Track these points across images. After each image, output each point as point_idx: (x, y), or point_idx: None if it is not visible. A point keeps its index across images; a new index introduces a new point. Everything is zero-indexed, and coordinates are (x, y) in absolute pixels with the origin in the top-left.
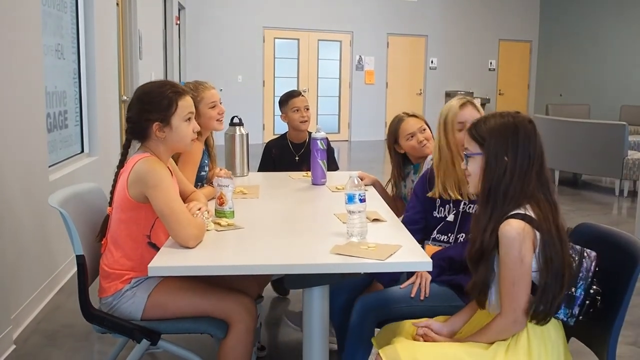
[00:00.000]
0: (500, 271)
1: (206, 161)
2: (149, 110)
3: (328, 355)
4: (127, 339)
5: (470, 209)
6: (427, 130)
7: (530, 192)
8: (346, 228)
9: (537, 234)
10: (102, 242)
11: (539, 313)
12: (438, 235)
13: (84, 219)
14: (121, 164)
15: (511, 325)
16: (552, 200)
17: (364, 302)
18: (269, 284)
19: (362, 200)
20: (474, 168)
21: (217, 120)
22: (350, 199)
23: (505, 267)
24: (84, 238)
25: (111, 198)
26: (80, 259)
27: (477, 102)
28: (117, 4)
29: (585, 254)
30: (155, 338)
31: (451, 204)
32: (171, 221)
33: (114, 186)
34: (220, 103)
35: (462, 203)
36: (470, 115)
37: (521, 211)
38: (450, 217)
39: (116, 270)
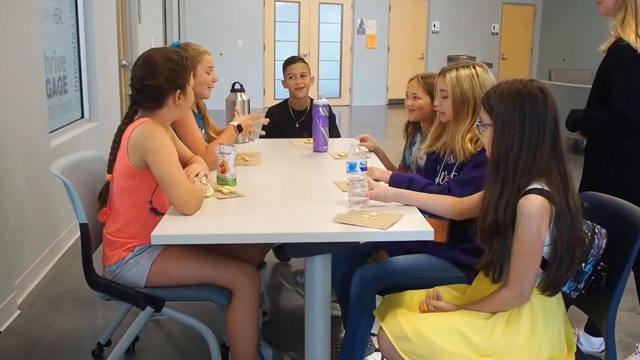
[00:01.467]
0: (514, 245)
1: (201, 125)
2: (174, 78)
3: (330, 324)
4: (130, 306)
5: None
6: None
7: (543, 164)
8: (348, 196)
9: (553, 208)
10: (102, 211)
11: (550, 284)
12: None
13: (87, 187)
14: (120, 132)
15: (516, 299)
16: (565, 174)
17: (362, 275)
18: (271, 250)
19: (364, 169)
20: (486, 138)
21: (209, 87)
22: (351, 167)
23: (520, 242)
24: (86, 206)
25: (110, 165)
26: (83, 227)
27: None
28: None
29: (596, 231)
30: (159, 305)
31: (445, 173)
32: (169, 187)
33: (113, 153)
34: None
35: (452, 170)
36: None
37: (538, 186)
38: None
39: (119, 238)
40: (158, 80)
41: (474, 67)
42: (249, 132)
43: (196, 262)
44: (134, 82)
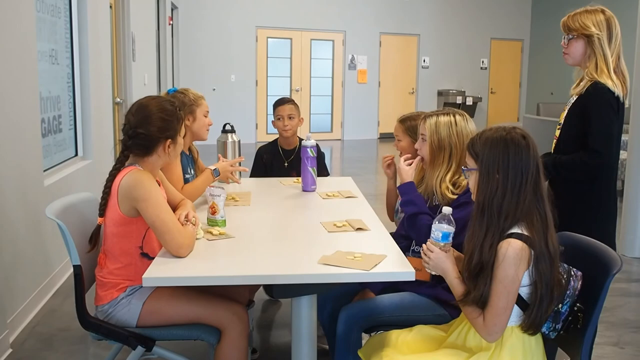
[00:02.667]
0: (494, 285)
1: (192, 172)
2: (166, 128)
3: None
4: (122, 345)
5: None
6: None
7: (526, 207)
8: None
9: (532, 251)
10: (99, 257)
11: (532, 324)
12: (417, 247)
13: (80, 229)
14: (111, 177)
15: (487, 336)
16: (546, 217)
17: (348, 313)
18: (261, 287)
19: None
20: (471, 183)
21: (207, 129)
22: (444, 236)
23: (500, 283)
24: (80, 247)
25: (102, 209)
26: (77, 269)
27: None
28: (110, 6)
29: (572, 273)
30: (150, 344)
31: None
32: (162, 232)
33: (104, 198)
34: None
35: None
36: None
37: (518, 230)
38: None
39: (112, 279)
40: (150, 129)
41: (454, 115)
42: (228, 179)
43: (186, 302)
44: (126, 128)
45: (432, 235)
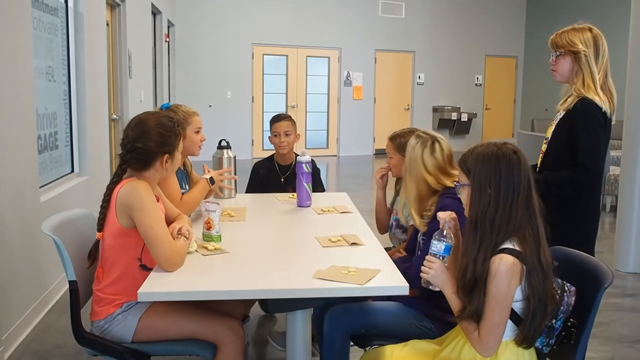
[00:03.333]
0: (487, 301)
1: (187, 187)
2: (164, 143)
3: None
4: None
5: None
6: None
7: (518, 221)
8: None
9: (524, 266)
10: (97, 271)
11: (526, 337)
12: None
13: (76, 245)
14: (109, 191)
15: (482, 351)
16: (538, 231)
17: (332, 313)
18: (257, 302)
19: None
20: (463, 198)
21: (199, 146)
22: (447, 249)
23: (492, 299)
24: (76, 263)
25: (100, 224)
26: (72, 285)
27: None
28: (107, 24)
29: (566, 288)
30: None
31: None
32: (154, 244)
33: (102, 212)
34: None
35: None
36: None
37: (510, 245)
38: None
39: (108, 295)
40: (148, 144)
41: (419, 139)
42: (219, 187)
43: (182, 318)
44: (124, 142)
45: (432, 249)
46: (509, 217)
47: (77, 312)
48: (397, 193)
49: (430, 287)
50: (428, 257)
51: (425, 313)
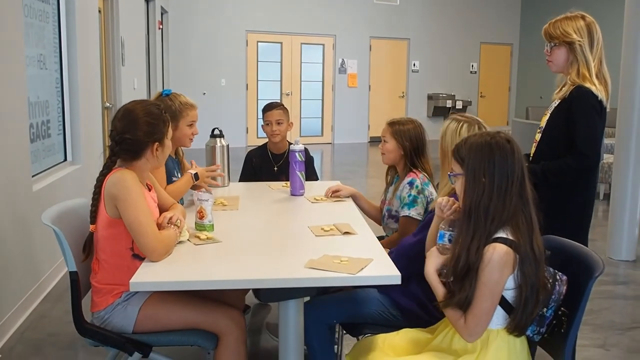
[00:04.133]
0: (478, 288)
1: (179, 175)
2: (152, 132)
3: None
4: (118, 351)
5: None
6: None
7: (512, 210)
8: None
9: (517, 256)
10: (93, 263)
11: (517, 326)
12: None
13: (76, 235)
14: (99, 183)
15: (467, 336)
16: (531, 219)
17: (307, 306)
18: (250, 290)
19: (450, 242)
20: (457, 188)
21: (190, 139)
22: (440, 237)
23: (483, 286)
24: (76, 253)
25: (93, 216)
26: (73, 276)
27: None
28: (99, 11)
29: (557, 277)
30: (147, 350)
31: None
32: (138, 234)
33: (94, 204)
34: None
35: None
36: None
37: (503, 235)
38: None
39: (106, 285)
40: (137, 134)
41: (456, 121)
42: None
43: (183, 308)
44: (113, 134)
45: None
46: (502, 206)
47: (78, 303)
48: (389, 183)
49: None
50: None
51: (395, 302)
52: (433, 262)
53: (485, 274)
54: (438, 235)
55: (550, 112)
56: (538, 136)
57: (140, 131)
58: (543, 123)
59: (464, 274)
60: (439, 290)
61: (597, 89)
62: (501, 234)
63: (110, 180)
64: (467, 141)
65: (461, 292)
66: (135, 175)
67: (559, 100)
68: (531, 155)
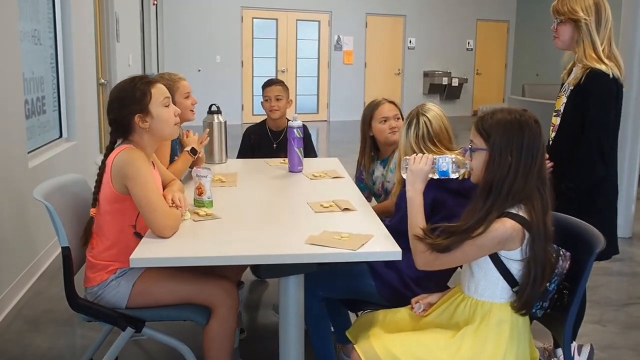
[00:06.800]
0: (465, 244)
1: (178, 149)
2: (126, 105)
3: (303, 341)
4: (111, 326)
5: None
6: (400, 120)
7: (531, 188)
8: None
9: (526, 233)
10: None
11: (525, 304)
12: None
13: (69, 210)
14: (103, 164)
15: (422, 265)
16: (546, 198)
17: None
18: (248, 267)
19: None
20: (477, 162)
21: (191, 110)
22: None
23: (472, 244)
24: (69, 229)
25: (95, 199)
26: (65, 251)
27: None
28: None
29: (561, 253)
30: (140, 325)
31: None
32: (148, 211)
33: (97, 187)
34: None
35: None
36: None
37: (514, 210)
38: None
39: (102, 261)
40: (115, 111)
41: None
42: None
43: (176, 282)
44: (108, 118)
45: (439, 162)
46: (524, 185)
47: (70, 279)
48: (369, 161)
49: (403, 174)
50: (428, 155)
51: (374, 269)
52: (421, 184)
53: (482, 237)
54: (444, 170)
55: (565, 96)
56: (555, 119)
57: (116, 108)
58: (559, 105)
59: (460, 232)
60: (420, 219)
61: (608, 67)
62: (512, 209)
63: (120, 158)
64: (494, 116)
65: (444, 240)
66: (142, 154)
67: (573, 86)
68: (550, 140)
